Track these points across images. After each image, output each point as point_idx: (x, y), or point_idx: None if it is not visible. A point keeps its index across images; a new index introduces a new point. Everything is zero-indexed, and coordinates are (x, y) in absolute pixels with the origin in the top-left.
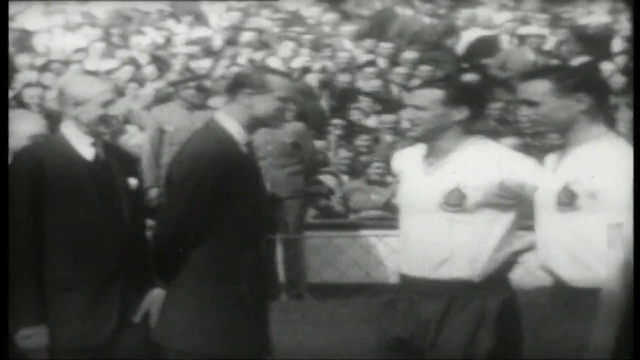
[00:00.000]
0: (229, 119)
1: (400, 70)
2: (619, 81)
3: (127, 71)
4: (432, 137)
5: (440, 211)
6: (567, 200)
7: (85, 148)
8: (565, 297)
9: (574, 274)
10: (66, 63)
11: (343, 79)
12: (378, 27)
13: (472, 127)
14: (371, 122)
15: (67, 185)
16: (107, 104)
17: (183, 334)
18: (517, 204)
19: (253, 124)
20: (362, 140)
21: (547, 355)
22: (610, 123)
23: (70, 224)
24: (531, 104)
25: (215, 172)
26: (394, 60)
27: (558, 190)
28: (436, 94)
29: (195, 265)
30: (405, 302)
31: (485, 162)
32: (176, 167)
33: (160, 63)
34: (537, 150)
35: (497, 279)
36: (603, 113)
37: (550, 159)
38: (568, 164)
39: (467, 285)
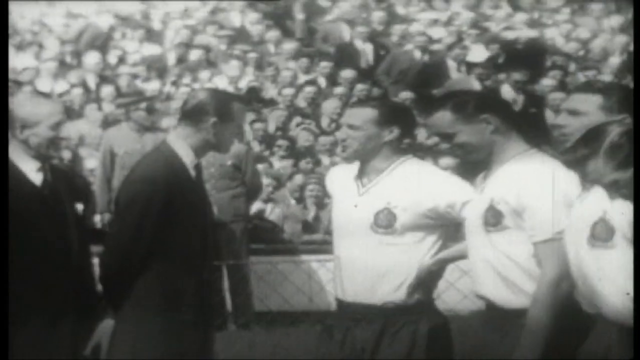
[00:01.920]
0: (181, 143)
1: (339, 90)
2: (557, 97)
3: (78, 93)
4: (364, 157)
5: (371, 233)
6: (494, 220)
7: (33, 173)
8: (497, 320)
9: (505, 296)
10: (17, 83)
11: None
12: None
13: (411, 147)
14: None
15: (13, 213)
16: (56, 125)
17: None
18: (445, 225)
19: (204, 148)
20: (304, 163)
21: None
22: (530, 139)
23: (16, 255)
24: (445, 136)
25: (163, 195)
26: (333, 80)
27: (484, 210)
28: (369, 113)
29: (140, 294)
30: (342, 329)
31: (414, 182)
32: (124, 190)
33: (110, 83)
34: (472, 169)
35: (427, 302)
36: (516, 130)
37: (478, 180)
38: (492, 184)
39: (399, 309)
